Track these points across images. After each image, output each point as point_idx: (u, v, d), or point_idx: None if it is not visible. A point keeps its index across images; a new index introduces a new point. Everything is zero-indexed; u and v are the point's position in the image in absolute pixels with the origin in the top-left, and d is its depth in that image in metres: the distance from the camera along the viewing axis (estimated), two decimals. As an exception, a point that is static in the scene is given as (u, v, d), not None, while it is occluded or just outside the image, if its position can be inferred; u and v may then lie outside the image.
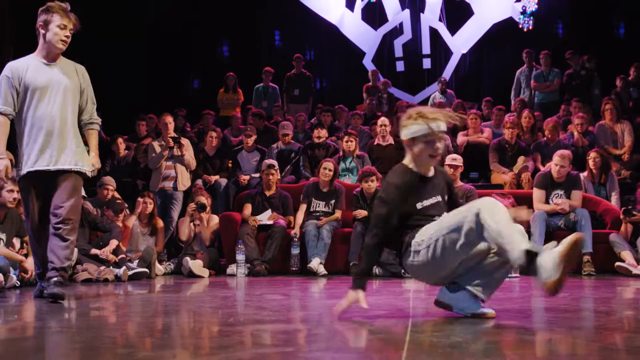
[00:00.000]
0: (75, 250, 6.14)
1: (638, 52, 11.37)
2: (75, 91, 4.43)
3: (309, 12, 13.53)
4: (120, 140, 8.94)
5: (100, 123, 4.66)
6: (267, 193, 7.29)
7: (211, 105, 11.15)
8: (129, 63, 12.35)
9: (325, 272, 6.57)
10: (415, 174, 3.32)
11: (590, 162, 7.36)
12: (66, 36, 4.31)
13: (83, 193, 6.52)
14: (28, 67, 4.33)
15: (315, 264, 6.59)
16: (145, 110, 10.29)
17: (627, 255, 6.23)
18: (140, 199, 7.15)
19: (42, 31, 4.33)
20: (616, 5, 12.49)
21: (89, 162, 4.44)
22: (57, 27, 4.28)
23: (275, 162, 7.58)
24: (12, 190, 5.37)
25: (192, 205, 7.12)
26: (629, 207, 6.52)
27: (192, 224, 7.16)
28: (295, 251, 6.81)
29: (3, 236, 5.48)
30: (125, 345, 2.65)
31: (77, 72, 4.49)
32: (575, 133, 8.45)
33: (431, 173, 3.40)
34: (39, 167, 4.27)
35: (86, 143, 4.60)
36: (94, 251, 6.35)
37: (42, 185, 4.34)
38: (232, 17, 13.35)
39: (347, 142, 7.98)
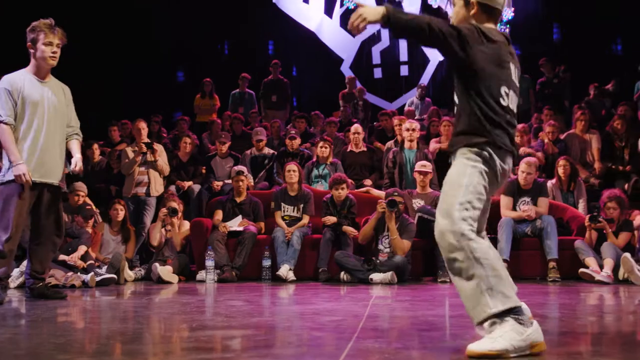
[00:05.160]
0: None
1: (632, 68, 11.44)
2: (62, 110, 4.81)
3: (294, 23, 13.63)
4: (95, 145, 8.94)
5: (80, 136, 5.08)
6: (238, 199, 7.31)
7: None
8: (107, 65, 12.33)
9: (294, 278, 6.59)
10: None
11: (560, 170, 7.44)
12: (53, 52, 4.63)
13: None
14: (24, 81, 4.63)
15: (285, 270, 6.59)
16: (125, 113, 10.28)
17: (591, 261, 6.31)
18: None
19: (31, 50, 4.65)
20: (614, 21, 12.58)
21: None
22: (44, 45, 4.60)
23: (244, 169, 7.57)
24: None
25: (164, 210, 7.13)
26: (595, 213, 6.57)
27: (163, 229, 7.17)
28: (267, 263, 6.80)
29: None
30: (66, 351, 2.66)
31: (64, 92, 4.88)
32: (546, 140, 8.54)
33: None
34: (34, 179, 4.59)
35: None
36: (62, 257, 6.33)
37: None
38: (231, 21, 13.49)
39: (321, 147, 8.02)
